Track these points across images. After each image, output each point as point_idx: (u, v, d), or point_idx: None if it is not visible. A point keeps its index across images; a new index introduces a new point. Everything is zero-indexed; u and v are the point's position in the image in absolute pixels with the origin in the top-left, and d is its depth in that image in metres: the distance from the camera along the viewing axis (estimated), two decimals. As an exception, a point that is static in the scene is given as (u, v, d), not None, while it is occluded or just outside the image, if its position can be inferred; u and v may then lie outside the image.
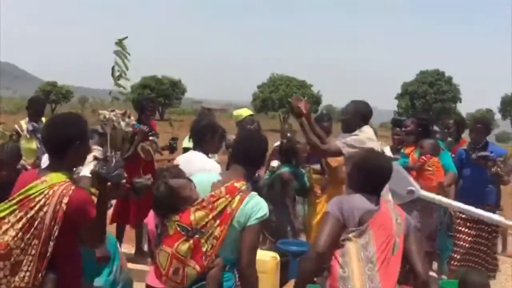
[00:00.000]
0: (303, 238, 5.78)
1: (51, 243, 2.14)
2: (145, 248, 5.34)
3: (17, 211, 2.14)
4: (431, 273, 4.70)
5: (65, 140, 2.27)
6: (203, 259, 2.36)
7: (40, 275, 2.14)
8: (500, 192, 4.85)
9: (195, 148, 3.79)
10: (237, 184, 2.46)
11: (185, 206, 2.43)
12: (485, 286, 3.38)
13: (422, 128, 4.89)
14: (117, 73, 3.70)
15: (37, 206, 2.13)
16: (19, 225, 2.12)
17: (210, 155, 3.79)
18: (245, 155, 2.61)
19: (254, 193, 2.49)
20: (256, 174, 4.66)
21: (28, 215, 2.13)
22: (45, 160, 3.51)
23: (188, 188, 2.49)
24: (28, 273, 2.13)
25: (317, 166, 5.46)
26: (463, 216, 4.69)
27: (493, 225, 4.59)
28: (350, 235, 2.56)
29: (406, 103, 45.95)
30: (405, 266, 2.63)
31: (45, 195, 2.14)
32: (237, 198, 2.41)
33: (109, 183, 2.22)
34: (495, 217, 4.38)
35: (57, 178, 2.20)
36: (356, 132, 3.82)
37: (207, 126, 3.77)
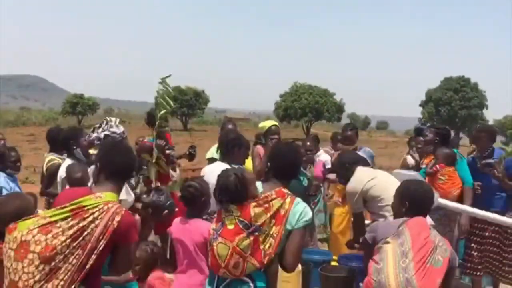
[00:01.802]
0: (325, 247, 5.80)
1: (94, 256, 2.18)
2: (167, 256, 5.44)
3: (69, 219, 2.20)
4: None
5: (131, 168, 2.48)
6: (262, 256, 2.51)
7: (73, 286, 2.15)
8: (511, 199, 4.77)
9: (221, 159, 3.95)
10: (284, 190, 2.65)
11: (248, 198, 2.57)
12: None
13: (439, 137, 4.90)
14: (161, 112, 3.99)
15: (90, 218, 2.20)
16: (70, 232, 2.17)
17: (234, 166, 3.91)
18: (281, 171, 2.74)
19: (299, 198, 2.66)
20: None
21: (80, 225, 2.19)
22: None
23: (254, 184, 2.66)
24: (62, 282, 2.13)
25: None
26: (474, 224, 4.66)
27: (508, 233, 4.52)
28: (388, 239, 2.72)
29: (430, 110, 45.14)
30: None
31: (99, 209, 2.23)
32: (288, 200, 2.59)
33: (165, 211, 2.48)
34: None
35: (112, 197, 2.33)
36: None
37: (234, 139, 3.95)
